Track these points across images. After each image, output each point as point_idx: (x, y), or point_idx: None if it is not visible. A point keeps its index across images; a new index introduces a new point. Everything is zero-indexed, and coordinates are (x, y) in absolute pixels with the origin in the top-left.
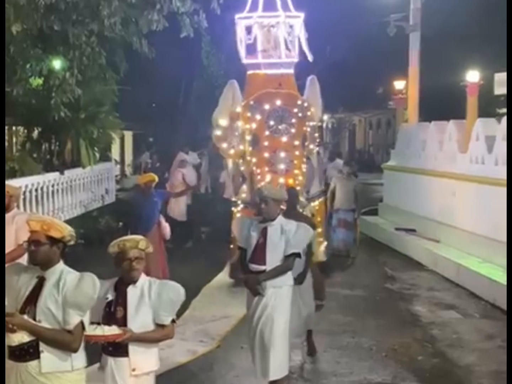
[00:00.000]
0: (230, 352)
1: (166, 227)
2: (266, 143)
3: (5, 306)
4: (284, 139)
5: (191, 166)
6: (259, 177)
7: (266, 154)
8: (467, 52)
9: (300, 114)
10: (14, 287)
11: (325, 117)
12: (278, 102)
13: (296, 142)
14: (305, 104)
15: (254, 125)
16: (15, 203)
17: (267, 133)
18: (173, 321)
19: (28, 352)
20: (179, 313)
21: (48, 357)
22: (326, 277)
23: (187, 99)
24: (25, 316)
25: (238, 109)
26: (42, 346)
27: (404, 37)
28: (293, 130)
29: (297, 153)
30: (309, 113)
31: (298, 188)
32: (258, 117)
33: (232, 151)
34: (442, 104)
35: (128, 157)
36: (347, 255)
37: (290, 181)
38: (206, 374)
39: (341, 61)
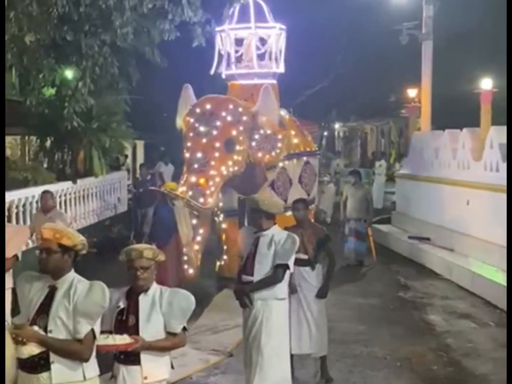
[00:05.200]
0: (242, 361)
1: None
2: (189, 144)
3: (17, 315)
4: (204, 140)
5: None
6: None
7: (187, 154)
8: (480, 59)
9: (229, 118)
10: (26, 296)
11: (337, 125)
12: (208, 106)
13: (217, 144)
14: (240, 110)
15: (186, 128)
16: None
17: (191, 134)
18: (184, 329)
19: (39, 364)
20: (192, 322)
21: (59, 368)
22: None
23: None
24: (36, 327)
25: None
26: (52, 357)
27: (417, 45)
28: (214, 132)
29: (217, 154)
30: (245, 118)
31: (213, 189)
32: (191, 120)
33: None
34: (455, 112)
35: None
36: (360, 265)
37: (201, 180)
38: (218, 383)
39: (353, 69)
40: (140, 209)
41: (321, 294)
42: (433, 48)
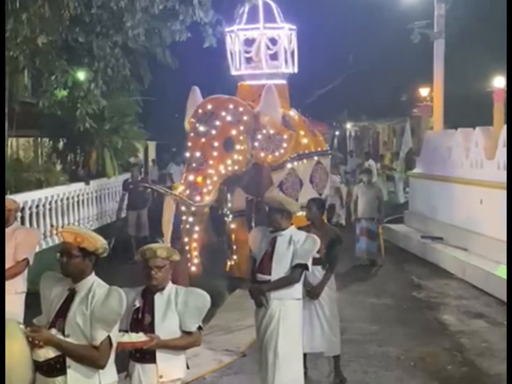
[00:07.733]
0: (255, 361)
1: None
2: (189, 144)
3: (37, 318)
4: (203, 139)
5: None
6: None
7: (187, 154)
8: (493, 58)
9: (228, 118)
10: (47, 298)
11: (348, 125)
12: (209, 106)
13: (216, 144)
14: (240, 109)
15: (189, 128)
16: (14, 217)
17: (192, 134)
18: (200, 328)
19: (55, 368)
20: (205, 323)
21: (75, 373)
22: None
23: None
24: (54, 330)
25: None
26: (69, 362)
27: (429, 44)
28: (213, 132)
29: (215, 154)
30: (245, 118)
31: (210, 187)
32: (193, 121)
33: None
34: (467, 110)
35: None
36: (372, 264)
37: (199, 179)
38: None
39: (364, 69)
40: (132, 211)
41: (313, 294)
42: (445, 47)
